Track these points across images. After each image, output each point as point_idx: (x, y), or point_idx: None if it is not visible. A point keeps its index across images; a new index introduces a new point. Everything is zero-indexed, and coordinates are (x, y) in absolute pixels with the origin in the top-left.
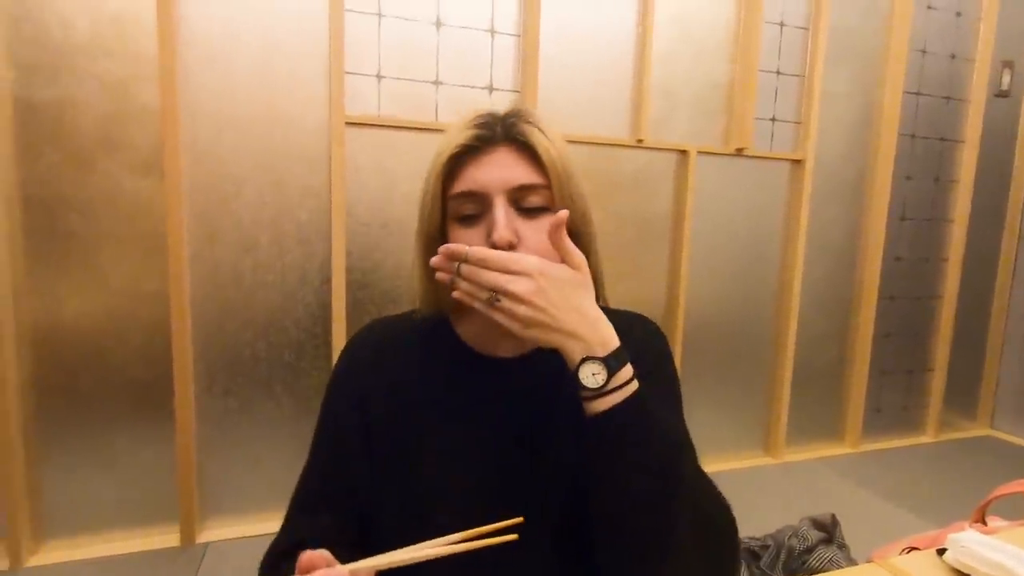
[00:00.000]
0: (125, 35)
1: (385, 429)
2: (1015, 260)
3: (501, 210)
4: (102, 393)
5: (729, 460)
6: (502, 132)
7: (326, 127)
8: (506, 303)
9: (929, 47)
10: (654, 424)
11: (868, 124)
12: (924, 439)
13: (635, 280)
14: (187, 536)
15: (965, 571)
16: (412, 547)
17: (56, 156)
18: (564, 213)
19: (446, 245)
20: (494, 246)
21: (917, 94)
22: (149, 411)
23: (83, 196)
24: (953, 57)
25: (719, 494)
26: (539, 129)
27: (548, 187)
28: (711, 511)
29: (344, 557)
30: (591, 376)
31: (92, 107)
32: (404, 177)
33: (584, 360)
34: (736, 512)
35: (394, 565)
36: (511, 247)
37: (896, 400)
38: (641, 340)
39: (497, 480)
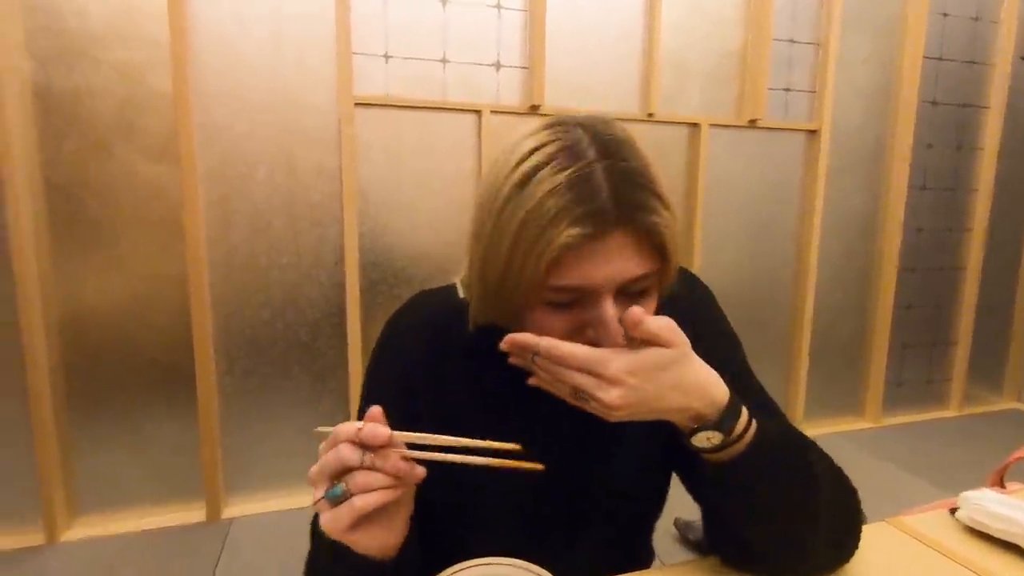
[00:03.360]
0: (138, 22)
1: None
2: None
3: (611, 311)
4: (128, 374)
5: None
6: (615, 212)
7: (335, 108)
8: (596, 405)
9: (950, 10)
10: (779, 458)
11: (887, 91)
12: (948, 413)
13: None
14: (213, 512)
15: (978, 528)
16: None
17: (75, 143)
18: (636, 313)
19: (512, 337)
20: (588, 341)
21: (939, 59)
22: (173, 391)
23: (102, 181)
24: (976, 19)
25: (836, 467)
26: (655, 192)
27: (660, 270)
28: (836, 493)
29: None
30: (706, 440)
31: (108, 94)
32: (414, 157)
33: (696, 429)
34: None
35: (420, 443)
36: None
37: (918, 373)
38: (693, 307)
39: (548, 508)
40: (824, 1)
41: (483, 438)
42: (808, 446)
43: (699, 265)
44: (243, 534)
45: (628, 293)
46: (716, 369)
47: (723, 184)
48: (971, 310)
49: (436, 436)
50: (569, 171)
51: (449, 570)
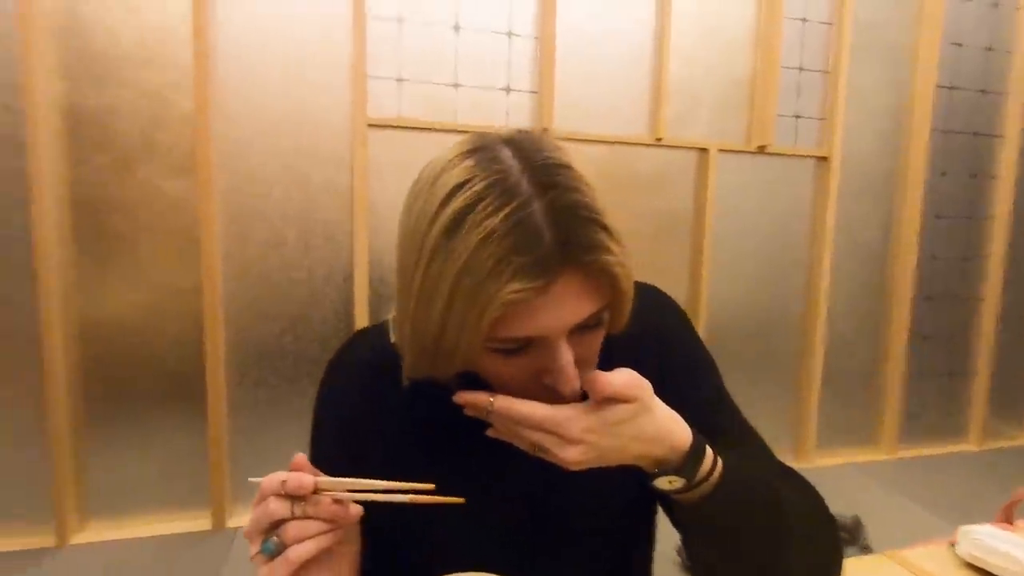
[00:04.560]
0: (164, 45)
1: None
2: None
3: (567, 357)
4: (142, 383)
5: None
6: (559, 255)
7: (349, 129)
8: (554, 460)
9: (964, 39)
10: (746, 496)
11: (899, 119)
12: (967, 446)
13: (653, 277)
14: (218, 520)
15: (976, 563)
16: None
17: (101, 160)
18: (599, 381)
19: (464, 396)
20: (548, 391)
21: (950, 88)
22: (185, 400)
23: (125, 197)
24: (990, 49)
25: (813, 502)
26: (600, 224)
27: (610, 304)
28: (813, 531)
29: None
30: (668, 484)
31: (133, 113)
32: None
33: (656, 474)
34: None
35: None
36: None
37: (936, 404)
38: (662, 327)
39: (510, 543)
40: (833, 29)
41: (436, 482)
42: (778, 479)
43: (707, 292)
44: (248, 544)
45: (581, 328)
46: (689, 396)
47: (732, 210)
48: (990, 340)
49: (353, 480)
50: (503, 213)
51: None
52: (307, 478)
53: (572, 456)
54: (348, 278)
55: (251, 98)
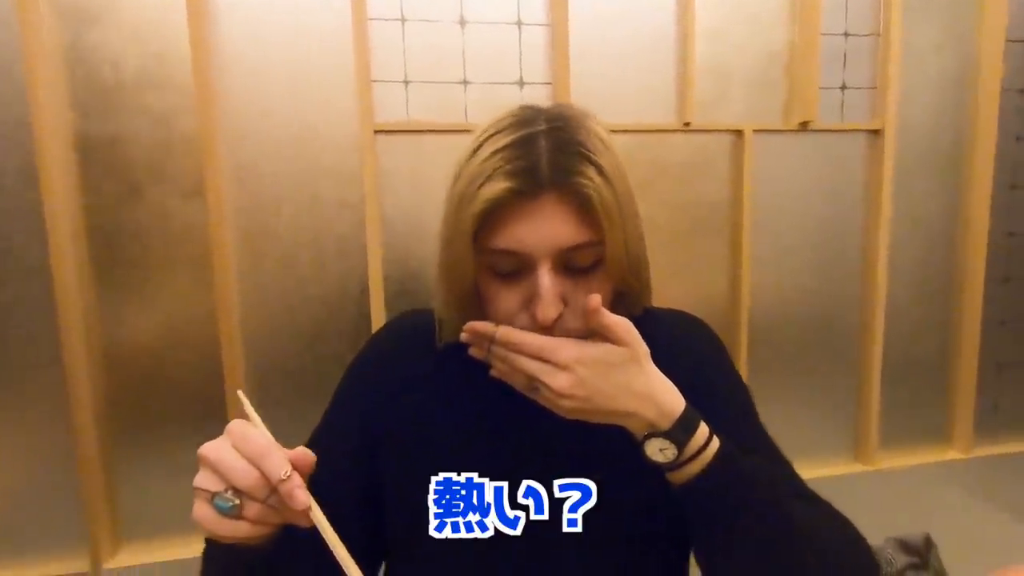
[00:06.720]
0: (166, 70)
1: (395, 447)
2: None
3: (547, 280)
4: (165, 406)
5: (812, 467)
6: (549, 173)
7: (357, 138)
8: (547, 393)
9: None
10: (746, 483)
11: (963, 81)
12: None
13: (691, 272)
14: None
15: None
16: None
17: (112, 187)
18: (596, 299)
19: (471, 324)
20: (535, 319)
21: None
22: (208, 422)
23: (137, 223)
24: None
25: (839, 521)
26: (592, 161)
27: (602, 242)
28: (834, 545)
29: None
30: (659, 452)
31: (141, 139)
32: (437, 182)
33: (647, 437)
34: None
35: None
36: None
37: (1018, 397)
38: (694, 347)
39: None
40: None
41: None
42: (801, 500)
43: (749, 285)
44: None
45: (572, 268)
46: (719, 413)
47: (775, 195)
48: None
49: (333, 538)
50: (516, 135)
51: None
52: (303, 496)
53: (562, 383)
54: (364, 291)
55: (256, 116)
